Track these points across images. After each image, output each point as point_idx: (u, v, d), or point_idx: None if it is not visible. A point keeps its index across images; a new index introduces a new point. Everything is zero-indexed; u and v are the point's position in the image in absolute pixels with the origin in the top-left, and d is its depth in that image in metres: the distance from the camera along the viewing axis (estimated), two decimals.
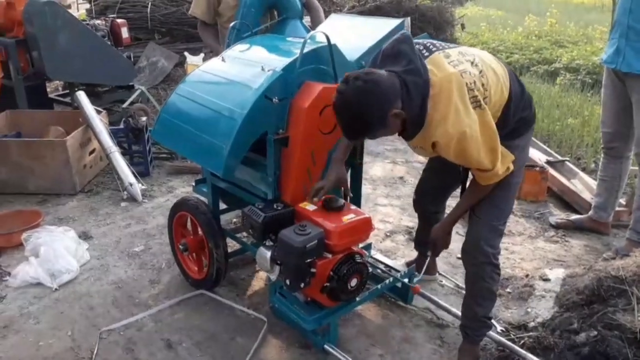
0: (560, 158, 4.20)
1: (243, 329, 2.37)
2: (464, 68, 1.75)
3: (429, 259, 2.33)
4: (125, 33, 4.92)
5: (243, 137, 2.08)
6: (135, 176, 3.75)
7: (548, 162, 4.01)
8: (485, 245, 2.00)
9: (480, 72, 1.79)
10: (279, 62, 2.16)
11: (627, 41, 2.72)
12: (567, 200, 3.67)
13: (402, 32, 1.84)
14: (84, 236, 3.17)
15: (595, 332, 2.00)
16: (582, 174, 3.93)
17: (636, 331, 1.91)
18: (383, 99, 1.67)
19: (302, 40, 2.48)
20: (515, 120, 1.91)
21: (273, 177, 2.20)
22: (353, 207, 2.16)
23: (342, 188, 2.20)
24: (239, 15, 2.86)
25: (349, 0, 8.71)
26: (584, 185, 3.75)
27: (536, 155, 4.08)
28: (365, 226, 2.08)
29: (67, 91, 4.89)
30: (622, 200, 3.42)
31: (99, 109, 4.20)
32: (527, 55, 9.13)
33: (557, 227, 3.33)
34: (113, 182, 3.92)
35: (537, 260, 2.94)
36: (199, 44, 6.74)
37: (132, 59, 5.10)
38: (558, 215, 3.48)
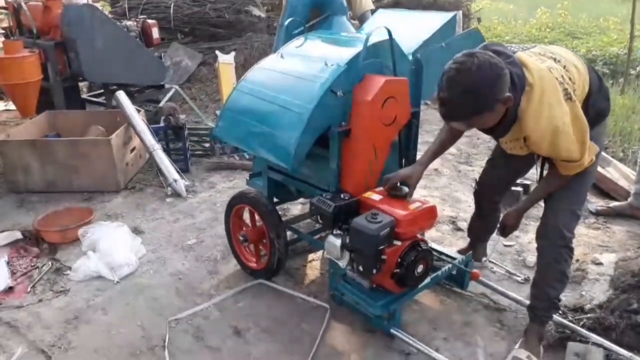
0: None
1: (307, 316, 2.45)
2: (549, 64, 1.82)
3: (497, 243, 2.36)
4: (155, 33, 5.00)
5: (310, 130, 2.15)
6: (178, 172, 3.84)
7: None
8: (564, 229, 2.06)
9: (565, 67, 1.87)
10: (341, 57, 2.24)
11: None
12: (603, 188, 3.73)
13: (488, 41, 1.93)
14: (136, 231, 3.25)
15: None
16: (616, 161, 3.98)
17: None
18: (502, 80, 1.68)
19: (355, 35, 2.56)
20: (595, 111, 1.97)
21: (336, 169, 2.28)
22: (415, 195, 2.24)
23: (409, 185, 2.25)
24: (287, 14, 2.93)
25: None
26: (619, 173, 3.81)
27: None
28: (430, 214, 2.15)
29: (100, 91, 4.97)
30: None
31: (138, 108, 4.28)
32: None
33: (597, 214, 3.39)
34: (155, 179, 4.01)
35: (582, 246, 3.00)
36: (222, 43, 6.83)
37: (162, 58, 5.18)
38: (597, 202, 3.54)
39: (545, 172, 2.13)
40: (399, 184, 2.23)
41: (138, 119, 4.01)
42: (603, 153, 4.11)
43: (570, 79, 1.84)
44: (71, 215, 3.35)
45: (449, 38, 2.52)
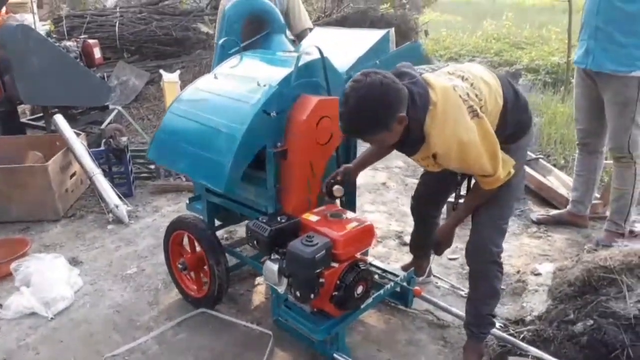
0: (533, 156, 4.37)
1: (249, 345, 2.38)
2: (454, 83, 1.86)
3: (431, 261, 2.40)
4: (97, 53, 4.87)
5: (243, 152, 2.11)
6: (120, 197, 3.72)
7: None
8: (490, 244, 2.08)
9: (472, 84, 1.90)
10: (273, 77, 2.21)
11: (596, 42, 2.87)
12: (544, 197, 3.82)
13: (403, 63, 1.95)
14: (74, 262, 3.12)
15: (592, 321, 2.11)
16: (556, 170, 4.10)
17: (630, 317, 2.03)
18: (395, 98, 1.74)
19: (290, 54, 2.54)
20: (513, 124, 2.00)
21: (273, 190, 2.24)
22: (353, 214, 2.22)
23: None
24: (223, 32, 2.88)
25: (314, 12, 8.84)
26: (559, 181, 3.91)
27: None
28: (368, 233, 2.13)
29: (40, 115, 4.79)
30: (597, 194, 3.58)
31: (78, 131, 4.14)
32: (489, 58, 9.44)
33: (538, 222, 3.46)
34: (96, 205, 3.86)
35: (524, 256, 3.05)
36: (170, 61, 6.73)
37: (105, 79, 5.05)
38: (538, 211, 3.62)
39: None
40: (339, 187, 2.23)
41: (77, 142, 3.87)
42: (543, 161, 4.27)
43: (476, 95, 1.88)
44: (5, 248, 3.18)
45: (384, 54, 2.53)
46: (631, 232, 3.12)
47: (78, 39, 4.89)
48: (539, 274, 2.68)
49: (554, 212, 3.54)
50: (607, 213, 3.22)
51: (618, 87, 2.85)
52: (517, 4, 18.01)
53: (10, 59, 4.17)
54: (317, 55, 2.27)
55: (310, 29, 3.26)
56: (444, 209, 2.70)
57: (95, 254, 3.24)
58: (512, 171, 1.97)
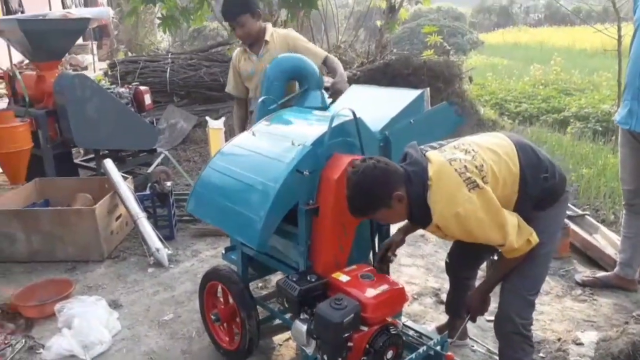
0: (580, 212, 4.22)
1: None
2: (453, 157, 1.94)
3: (465, 323, 2.34)
4: (148, 99, 5.11)
5: (276, 209, 2.15)
6: (161, 240, 3.82)
7: (568, 217, 4.02)
8: (514, 315, 2.05)
9: (473, 157, 1.94)
10: (308, 137, 2.26)
11: (639, 103, 2.81)
12: (590, 256, 3.67)
13: (409, 144, 2.10)
14: (114, 305, 3.21)
15: None
16: (603, 228, 3.94)
17: None
18: (388, 179, 1.93)
19: (325, 113, 2.60)
20: (539, 190, 1.97)
21: (304, 247, 2.26)
22: (385, 276, 2.20)
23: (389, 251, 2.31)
24: (264, 90, 2.99)
25: (358, 58, 9.00)
26: (607, 240, 3.76)
27: None
28: (399, 297, 2.10)
29: (92, 156, 5.04)
30: None
31: (126, 175, 4.32)
32: (536, 105, 9.30)
33: (583, 284, 3.32)
34: (139, 247, 3.99)
35: (566, 321, 2.92)
36: (217, 105, 6.98)
37: (154, 123, 5.28)
38: (583, 272, 3.47)
39: None
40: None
41: (124, 186, 4.04)
42: (589, 218, 4.12)
43: (476, 167, 1.91)
44: (51, 288, 3.32)
45: (417, 114, 2.55)
46: None
47: (130, 86, 5.15)
48: (581, 344, 2.56)
49: (600, 273, 3.38)
50: None
51: None
52: (566, 48, 17.76)
53: (66, 105, 4.43)
54: (351, 116, 2.31)
55: (327, 56, 3.37)
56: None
57: (134, 297, 3.32)
58: (534, 240, 1.93)
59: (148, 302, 3.26)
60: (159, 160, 5.03)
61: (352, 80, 6.66)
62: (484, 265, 2.84)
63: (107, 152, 4.87)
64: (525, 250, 1.94)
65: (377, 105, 2.60)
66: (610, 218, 4.37)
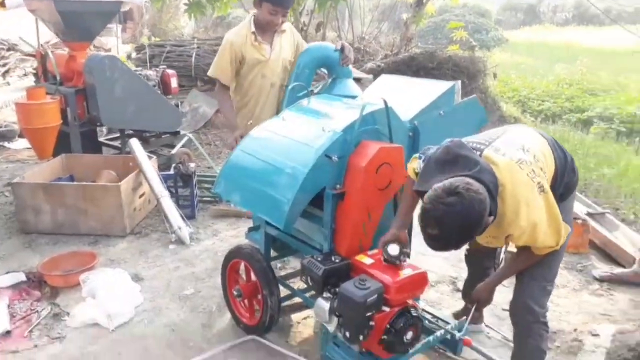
0: (600, 210, 4.21)
1: None
2: (519, 158, 1.84)
3: (471, 313, 2.34)
4: (174, 83, 5.17)
5: (304, 192, 2.20)
6: (183, 219, 3.90)
7: (588, 214, 4.02)
8: (534, 304, 2.06)
9: (535, 156, 1.89)
10: (338, 124, 2.30)
11: None
12: (609, 253, 3.67)
13: (451, 140, 1.93)
14: (136, 278, 3.29)
15: None
16: (623, 226, 3.94)
17: None
18: (483, 208, 1.70)
19: (355, 101, 2.63)
20: (563, 185, 1.99)
21: (329, 230, 2.30)
22: (408, 261, 2.24)
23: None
24: (294, 77, 3.03)
25: (381, 49, 8.99)
26: (627, 238, 3.75)
27: (576, 207, 4.10)
28: (421, 281, 2.15)
29: (117, 135, 5.13)
30: None
31: (150, 155, 4.40)
32: (559, 104, 9.22)
33: (601, 280, 3.33)
34: (161, 224, 4.07)
35: (582, 314, 2.94)
36: None
37: (178, 106, 5.35)
38: (601, 268, 3.48)
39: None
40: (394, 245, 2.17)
41: (149, 165, 4.11)
42: (610, 216, 4.10)
43: (541, 169, 1.87)
44: (75, 260, 3.41)
45: (448, 107, 2.58)
46: None
47: (158, 69, 5.22)
48: (596, 335, 2.58)
49: (618, 270, 3.39)
50: None
51: None
52: (594, 48, 17.46)
53: (95, 85, 4.52)
54: (381, 105, 2.34)
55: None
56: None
57: (155, 272, 3.41)
58: (565, 236, 1.94)
59: (169, 277, 3.34)
60: (182, 142, 5.10)
61: (377, 72, 6.67)
62: None
63: (131, 132, 4.95)
64: (558, 246, 1.94)
65: (407, 95, 2.63)
66: (630, 217, 4.36)
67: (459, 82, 2.81)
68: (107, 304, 2.89)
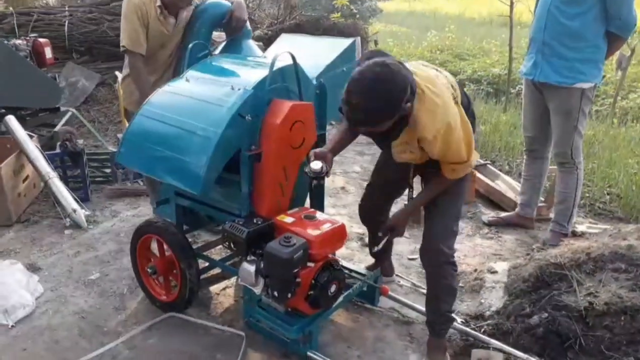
0: (482, 162, 4.60)
1: (222, 347, 2.40)
2: (435, 74, 1.99)
3: (384, 241, 2.36)
4: (48, 53, 4.71)
5: (219, 154, 2.14)
6: (77, 202, 3.63)
7: None
8: (443, 246, 2.20)
9: (447, 79, 2.05)
10: (248, 81, 2.26)
11: (543, 56, 3.10)
12: (493, 200, 4.04)
13: (373, 50, 2.04)
14: (32, 268, 3.02)
15: (546, 314, 2.28)
16: (503, 175, 4.34)
17: (581, 309, 2.21)
18: (407, 83, 1.77)
19: (260, 59, 2.60)
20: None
21: (247, 193, 2.28)
22: (325, 215, 2.30)
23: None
24: (192, 37, 2.90)
25: (266, 18, 8.89)
26: (507, 185, 4.15)
27: None
28: (341, 233, 2.22)
29: None
30: (542, 197, 3.83)
31: (31, 133, 4.00)
32: None
33: (489, 224, 3.67)
34: (52, 209, 3.75)
35: (479, 255, 3.24)
36: (121, 62, 6.56)
37: (56, 79, 4.89)
38: (488, 214, 3.84)
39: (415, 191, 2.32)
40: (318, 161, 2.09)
41: (31, 145, 3.75)
42: (491, 167, 4.51)
43: (452, 86, 2.03)
44: None
45: (350, 63, 2.64)
46: (574, 232, 3.37)
47: (28, 38, 4.71)
48: (495, 272, 2.86)
49: (503, 214, 3.75)
50: (552, 215, 3.46)
51: (562, 97, 3.08)
52: (457, 16, 18.72)
53: None
54: (289, 61, 2.34)
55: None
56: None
57: (54, 260, 3.15)
58: (475, 159, 2.11)
59: (69, 264, 3.11)
60: (66, 117, 4.70)
61: (265, 40, 6.59)
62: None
63: (3, 110, 4.44)
64: (469, 170, 2.11)
65: (310, 53, 2.64)
66: (505, 168, 4.82)
67: (359, 38, 2.87)
68: (2, 298, 2.63)
